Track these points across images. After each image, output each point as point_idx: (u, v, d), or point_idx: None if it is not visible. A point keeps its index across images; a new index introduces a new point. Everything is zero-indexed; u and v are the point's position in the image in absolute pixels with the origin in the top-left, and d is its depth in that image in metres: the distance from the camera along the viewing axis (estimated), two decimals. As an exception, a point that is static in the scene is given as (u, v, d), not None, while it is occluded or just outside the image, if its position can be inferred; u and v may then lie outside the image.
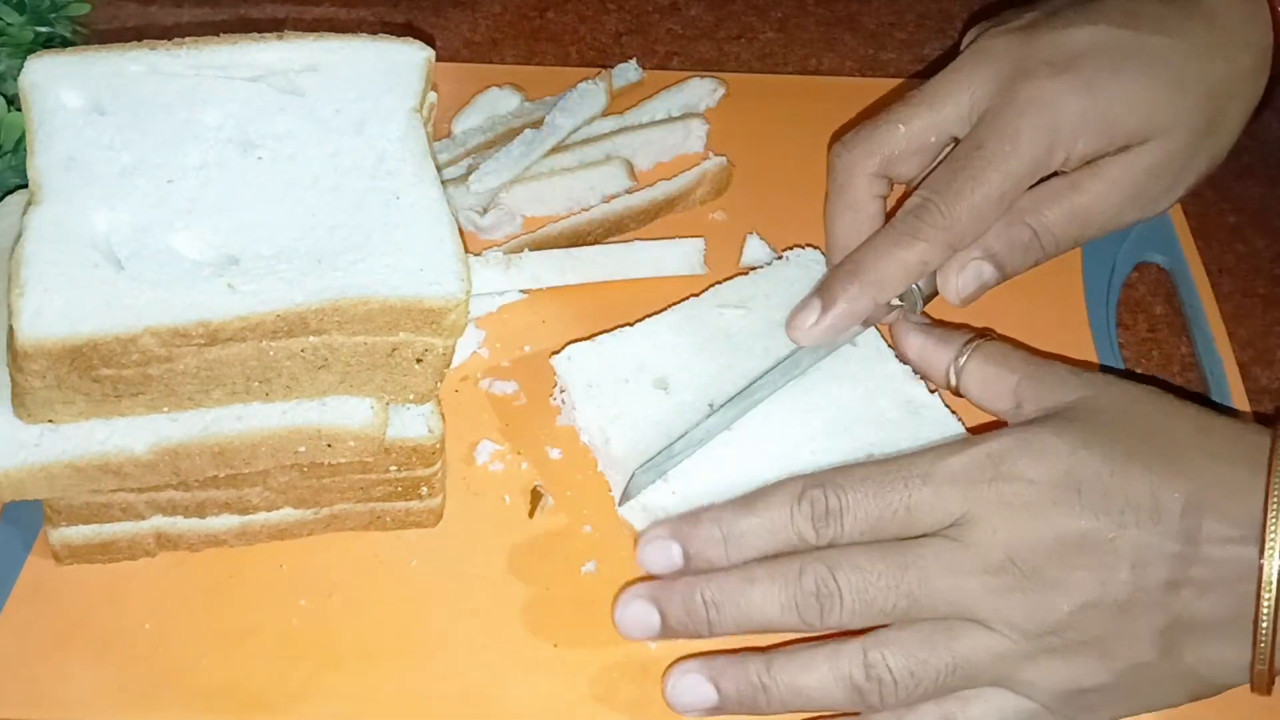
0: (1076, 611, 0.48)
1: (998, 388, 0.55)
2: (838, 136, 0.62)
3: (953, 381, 0.57)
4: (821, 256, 0.64)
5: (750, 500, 0.51)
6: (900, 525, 0.49)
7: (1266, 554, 0.47)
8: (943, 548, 0.49)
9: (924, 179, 0.59)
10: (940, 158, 0.60)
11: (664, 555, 0.51)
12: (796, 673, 0.49)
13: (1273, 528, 0.47)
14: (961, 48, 0.61)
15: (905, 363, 0.59)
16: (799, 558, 0.50)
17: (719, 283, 0.64)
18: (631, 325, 0.61)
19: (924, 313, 0.60)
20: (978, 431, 0.57)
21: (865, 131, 0.60)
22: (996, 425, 0.55)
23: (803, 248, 0.65)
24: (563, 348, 0.60)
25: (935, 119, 0.59)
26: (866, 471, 0.51)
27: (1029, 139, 0.56)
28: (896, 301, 0.59)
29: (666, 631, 0.51)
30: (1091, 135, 0.57)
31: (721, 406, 0.57)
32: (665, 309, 0.62)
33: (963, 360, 0.56)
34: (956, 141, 0.60)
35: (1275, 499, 0.47)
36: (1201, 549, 0.47)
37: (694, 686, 0.50)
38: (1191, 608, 0.48)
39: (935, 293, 0.60)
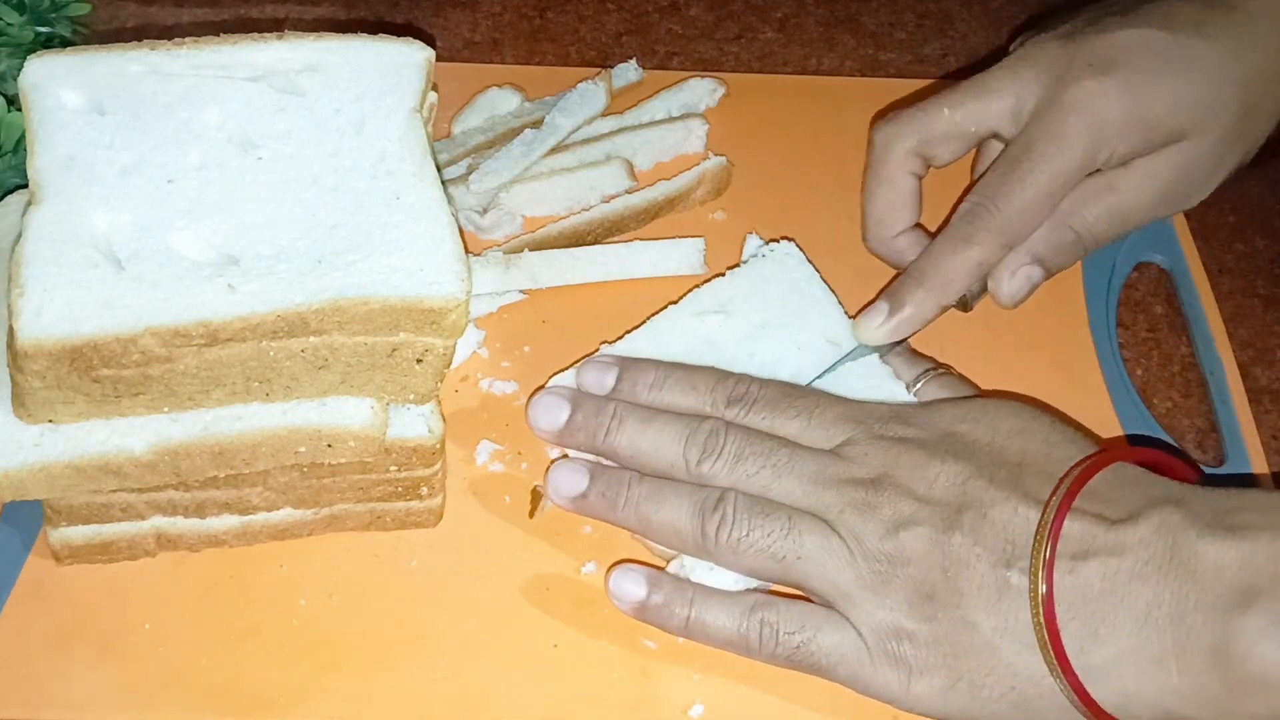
0: (914, 543, 0.50)
1: None
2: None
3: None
4: (797, 250, 0.64)
5: (689, 365, 0.58)
6: (796, 429, 0.55)
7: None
8: (819, 455, 0.54)
9: (975, 183, 0.62)
10: (984, 156, 0.64)
11: (600, 374, 0.57)
12: (660, 486, 0.54)
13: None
14: (1009, 53, 0.64)
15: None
16: (701, 415, 0.55)
17: (695, 287, 0.63)
18: (611, 343, 0.61)
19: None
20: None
21: (909, 112, 0.64)
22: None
23: (777, 241, 0.65)
24: (545, 366, 0.60)
25: (979, 110, 0.62)
26: (791, 385, 0.57)
27: (1075, 140, 0.59)
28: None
29: (568, 429, 0.56)
30: (1133, 135, 0.60)
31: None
32: (643, 321, 0.62)
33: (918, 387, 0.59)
34: (994, 136, 0.63)
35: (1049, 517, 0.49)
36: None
37: (573, 472, 0.56)
38: (1030, 581, 0.49)
39: (984, 290, 0.63)
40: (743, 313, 0.62)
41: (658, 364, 0.57)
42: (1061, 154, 0.59)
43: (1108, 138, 0.60)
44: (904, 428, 0.54)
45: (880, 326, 0.60)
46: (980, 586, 0.49)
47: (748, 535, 0.52)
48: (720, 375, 0.57)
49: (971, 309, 0.64)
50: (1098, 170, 0.61)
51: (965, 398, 0.57)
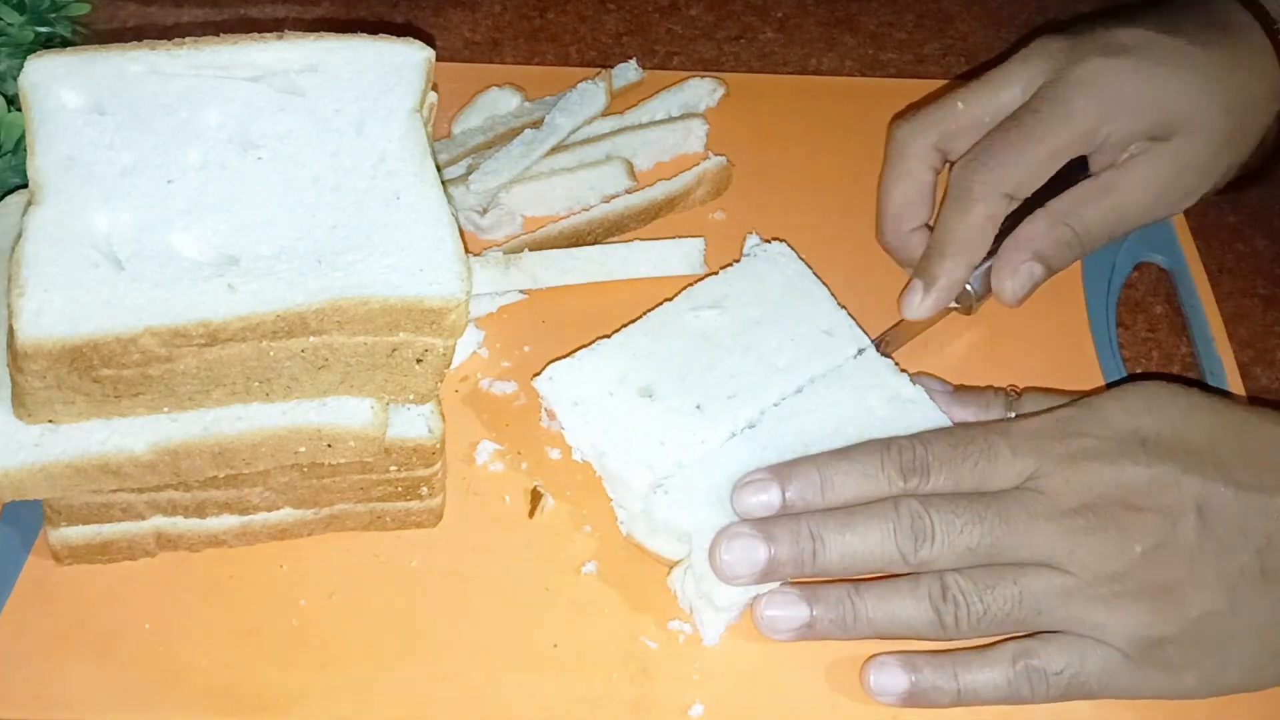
0: (1148, 553, 0.50)
1: None
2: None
3: None
4: (789, 250, 0.65)
5: (842, 450, 0.54)
6: (979, 478, 0.53)
7: None
8: (1020, 495, 0.52)
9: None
10: None
11: (763, 494, 0.54)
12: (883, 593, 0.52)
13: None
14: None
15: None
16: (893, 499, 0.53)
17: (690, 285, 0.64)
18: (608, 337, 0.61)
19: (939, 378, 0.61)
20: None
21: (926, 109, 0.66)
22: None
23: (769, 242, 0.65)
24: (545, 366, 0.60)
25: (993, 101, 0.64)
26: (952, 431, 0.55)
27: (1081, 108, 0.62)
28: (953, 305, 0.64)
29: (772, 567, 0.52)
30: (1136, 115, 0.62)
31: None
32: (639, 317, 0.62)
33: (1011, 416, 0.58)
34: None
35: None
36: (1274, 500, 0.51)
37: (790, 605, 0.53)
38: (1263, 559, 0.50)
39: (987, 292, 0.64)
40: (737, 308, 0.62)
41: (811, 461, 0.54)
42: (1066, 120, 0.61)
43: (1111, 113, 0.61)
44: (1082, 439, 0.53)
45: (922, 302, 0.63)
46: (1223, 577, 0.50)
47: (985, 613, 0.51)
48: (881, 449, 0.54)
49: (975, 311, 0.65)
50: (1092, 173, 0.63)
51: (1111, 390, 0.55)
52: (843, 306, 0.62)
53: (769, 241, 0.65)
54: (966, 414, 0.59)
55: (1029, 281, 0.63)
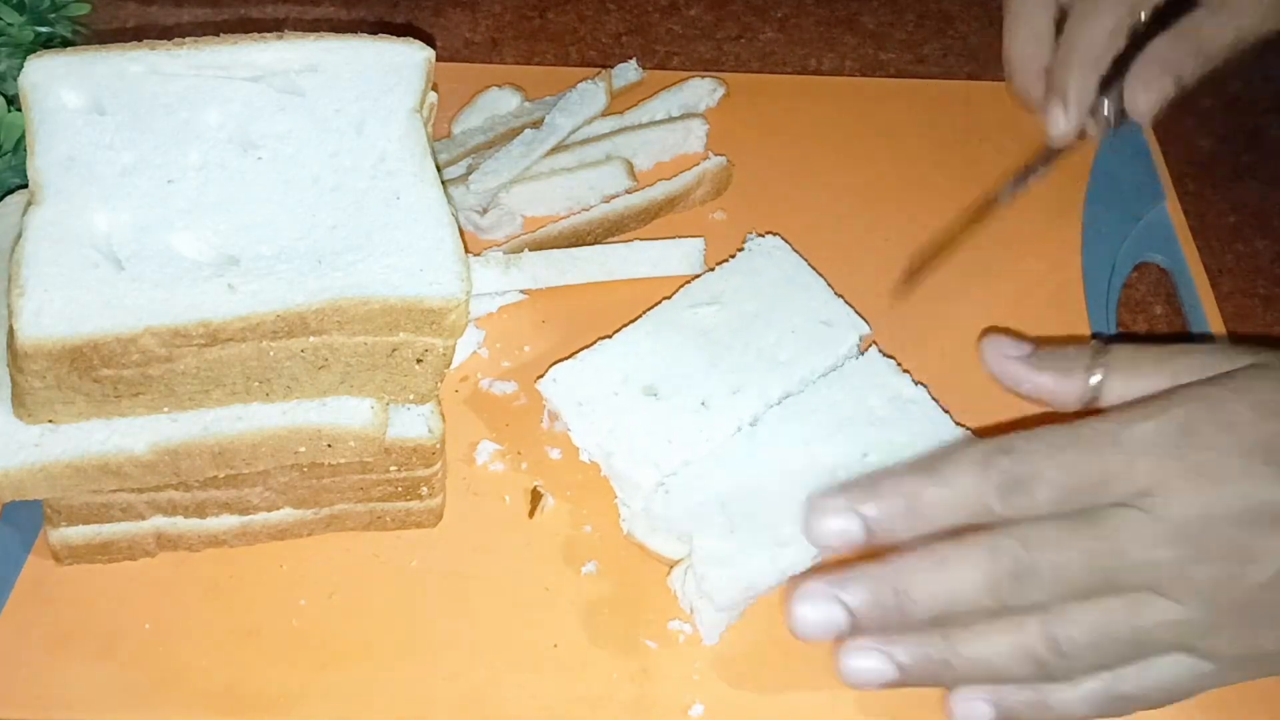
0: (1268, 584, 0.47)
1: (1153, 383, 0.52)
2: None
3: (1093, 394, 0.53)
4: (783, 242, 0.65)
5: (932, 466, 0.49)
6: (1090, 496, 0.48)
7: None
8: (1135, 520, 0.47)
9: None
10: None
11: (843, 528, 0.49)
12: (977, 646, 0.48)
13: None
14: None
15: (1032, 399, 0.55)
16: (989, 535, 0.48)
17: (687, 283, 0.64)
18: (609, 337, 0.61)
19: (1020, 340, 0.56)
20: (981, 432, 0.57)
21: None
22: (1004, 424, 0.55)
23: (762, 236, 0.65)
24: (549, 367, 0.60)
25: None
26: (1052, 437, 0.48)
27: None
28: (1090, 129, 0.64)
29: (855, 629, 0.49)
30: None
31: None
32: (639, 316, 0.62)
33: (1096, 381, 0.53)
34: None
35: None
36: None
37: (872, 664, 0.49)
38: None
39: (1124, 112, 0.64)
40: (735, 303, 0.62)
41: (894, 482, 0.49)
42: None
43: None
44: (1205, 454, 0.47)
45: (1065, 120, 0.64)
46: None
47: (1099, 660, 0.48)
48: (977, 465, 0.48)
49: (1108, 135, 0.66)
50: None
51: (1220, 383, 0.49)
52: (840, 295, 0.62)
53: (762, 236, 0.65)
54: (1045, 380, 0.54)
55: (1161, 95, 0.63)
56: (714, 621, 0.54)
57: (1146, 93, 0.63)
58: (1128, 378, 0.52)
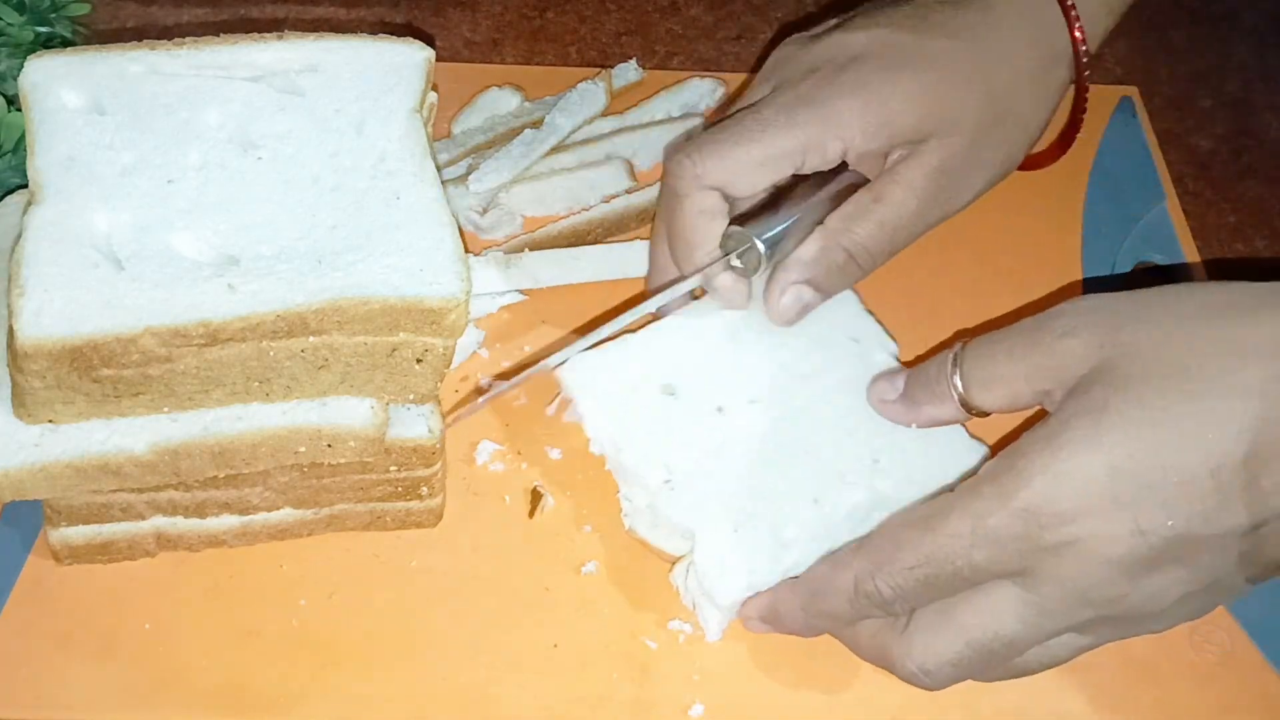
0: (1167, 613, 0.48)
1: (1012, 388, 0.52)
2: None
3: (967, 408, 0.53)
4: None
5: (811, 597, 0.52)
6: (960, 586, 0.49)
7: None
8: (1015, 600, 0.49)
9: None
10: None
11: (760, 629, 0.55)
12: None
13: None
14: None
15: (915, 425, 0.56)
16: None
17: None
18: (634, 332, 0.60)
19: (894, 376, 0.57)
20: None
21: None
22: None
23: None
24: (558, 345, 0.60)
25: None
26: (912, 551, 0.49)
27: (803, 120, 0.59)
28: (736, 262, 0.59)
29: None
30: (868, 131, 0.59)
31: None
32: (640, 317, 0.61)
33: (957, 381, 0.53)
34: None
35: None
36: (1270, 501, 0.45)
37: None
38: (1266, 554, 0.47)
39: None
40: (760, 306, 0.60)
41: (787, 611, 0.54)
42: (785, 129, 0.59)
43: (839, 130, 0.59)
44: (1057, 531, 0.47)
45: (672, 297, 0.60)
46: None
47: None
48: (842, 598, 0.51)
49: (757, 271, 0.59)
50: (860, 183, 0.61)
51: (1066, 425, 0.48)
52: (870, 312, 0.62)
53: None
54: (927, 411, 0.55)
55: (797, 303, 0.59)
56: (716, 618, 0.54)
57: (780, 299, 0.59)
58: (985, 384, 0.52)
